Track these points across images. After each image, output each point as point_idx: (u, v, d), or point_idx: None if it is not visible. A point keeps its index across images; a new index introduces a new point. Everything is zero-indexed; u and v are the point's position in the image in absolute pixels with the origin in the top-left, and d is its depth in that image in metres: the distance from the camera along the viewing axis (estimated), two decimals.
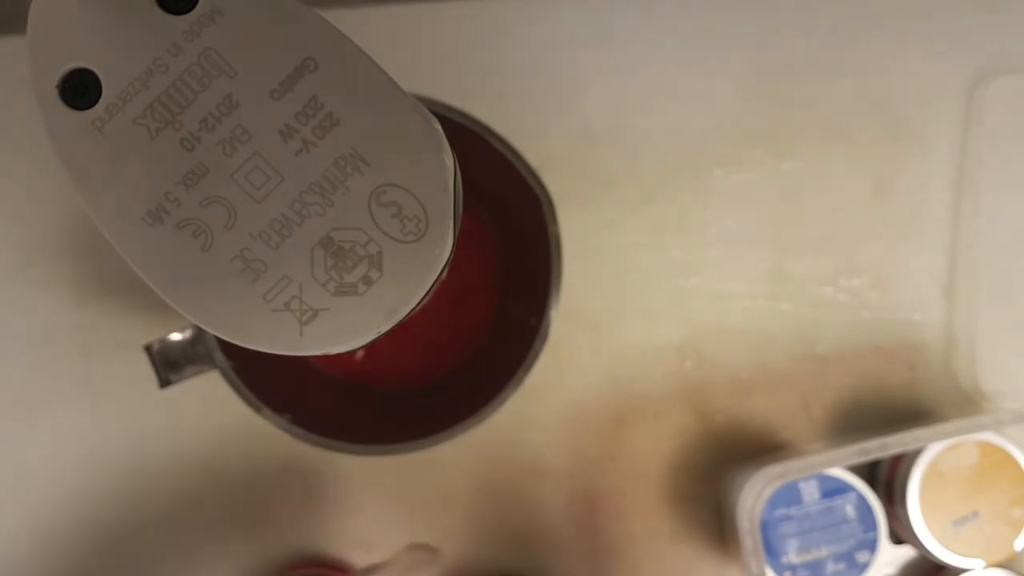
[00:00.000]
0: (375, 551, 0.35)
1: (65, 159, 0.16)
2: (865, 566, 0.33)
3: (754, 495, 0.32)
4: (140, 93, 0.16)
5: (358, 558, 0.35)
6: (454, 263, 0.18)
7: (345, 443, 0.29)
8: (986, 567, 0.33)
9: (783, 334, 0.36)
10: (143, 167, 0.16)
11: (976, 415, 0.34)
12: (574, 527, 0.35)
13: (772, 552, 0.33)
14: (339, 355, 0.23)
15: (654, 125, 0.36)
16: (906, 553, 0.35)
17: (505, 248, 0.33)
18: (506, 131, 0.29)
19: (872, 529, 0.33)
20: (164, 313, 0.31)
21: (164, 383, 0.29)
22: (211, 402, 0.34)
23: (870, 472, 0.35)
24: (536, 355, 0.29)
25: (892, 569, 0.35)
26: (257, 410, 0.28)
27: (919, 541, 0.33)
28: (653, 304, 0.36)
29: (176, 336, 0.29)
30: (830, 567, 0.33)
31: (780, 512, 0.33)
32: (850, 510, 0.33)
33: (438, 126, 0.17)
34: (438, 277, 0.17)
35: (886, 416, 0.36)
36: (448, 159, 0.17)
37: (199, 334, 0.29)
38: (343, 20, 0.17)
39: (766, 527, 0.33)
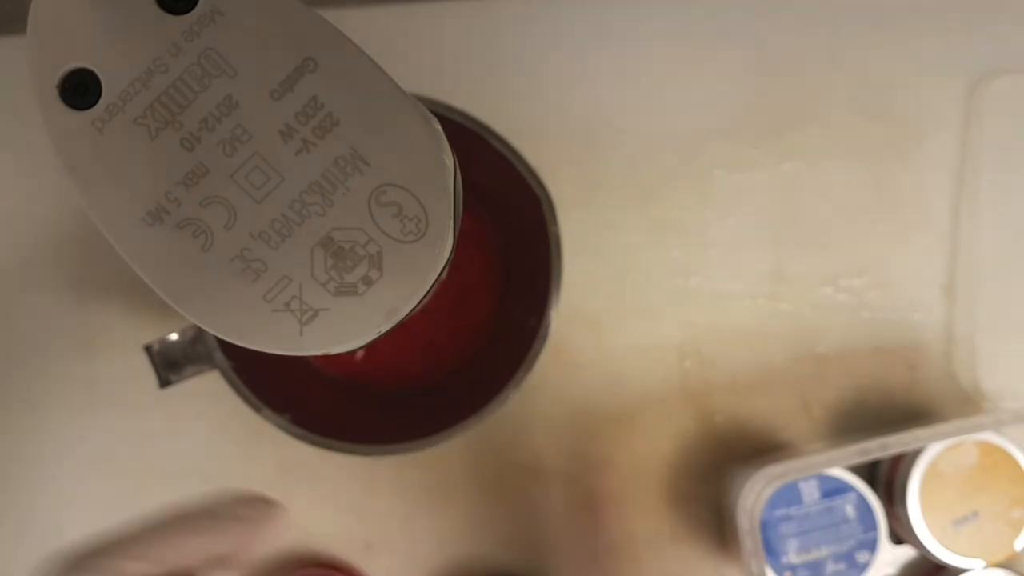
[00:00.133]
0: (375, 551, 0.35)
1: (65, 159, 0.16)
2: (865, 566, 0.33)
3: (754, 495, 0.32)
4: (140, 93, 0.16)
5: (358, 558, 0.35)
6: (454, 263, 0.18)
7: (345, 443, 0.29)
8: (986, 567, 0.33)
9: (783, 334, 0.36)
10: (143, 167, 0.16)
11: (976, 415, 0.34)
12: (574, 527, 0.35)
13: (772, 552, 0.33)
14: (339, 355, 0.23)
15: (654, 125, 0.36)
16: (906, 553, 0.35)
17: (505, 248, 0.33)
18: (506, 131, 0.29)
19: (872, 529, 0.33)
20: (164, 313, 0.31)
21: (164, 383, 0.29)
22: (211, 402, 0.34)
23: (870, 472, 0.35)
24: (536, 355, 0.29)
25: (892, 569, 0.35)
26: (257, 410, 0.28)
27: (919, 541, 0.33)
28: (653, 304, 0.36)
29: (176, 336, 0.29)
30: (830, 567, 0.33)
31: (780, 512, 0.33)
32: (850, 510, 0.33)
33: (438, 126, 0.17)
34: (438, 277, 0.17)
35: (886, 416, 0.36)
36: (448, 159, 0.17)
37: (199, 334, 0.29)
38: (343, 20, 0.17)
39: (766, 527, 0.33)
